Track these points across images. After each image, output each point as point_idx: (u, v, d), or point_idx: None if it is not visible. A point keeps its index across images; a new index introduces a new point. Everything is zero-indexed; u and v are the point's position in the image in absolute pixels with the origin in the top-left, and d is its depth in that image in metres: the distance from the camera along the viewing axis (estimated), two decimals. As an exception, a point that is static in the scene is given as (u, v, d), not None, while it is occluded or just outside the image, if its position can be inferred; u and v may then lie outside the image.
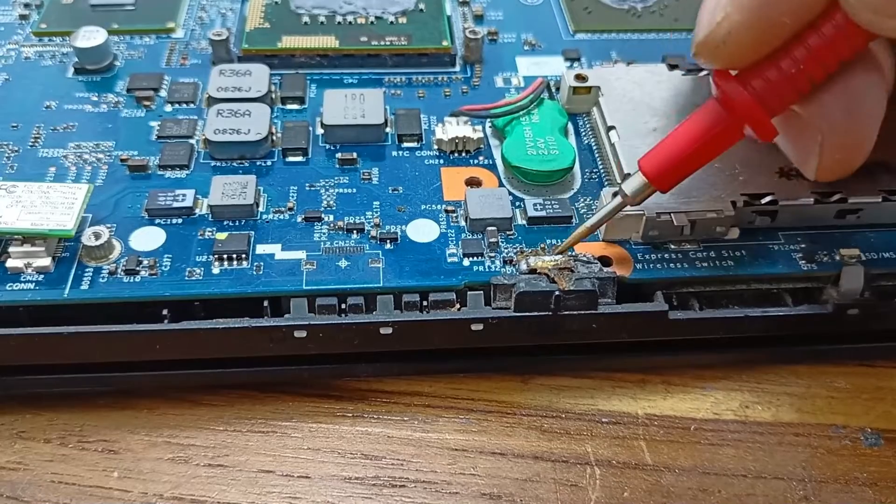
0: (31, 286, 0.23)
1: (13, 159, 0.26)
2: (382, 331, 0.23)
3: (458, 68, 0.31)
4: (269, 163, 0.27)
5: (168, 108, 0.29)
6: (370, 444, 0.23)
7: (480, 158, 0.27)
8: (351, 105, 0.28)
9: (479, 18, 0.33)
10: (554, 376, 0.25)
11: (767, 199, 0.24)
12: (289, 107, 0.29)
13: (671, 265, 0.24)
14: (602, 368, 0.25)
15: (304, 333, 0.22)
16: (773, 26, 0.19)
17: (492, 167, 0.27)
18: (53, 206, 0.23)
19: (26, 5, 0.33)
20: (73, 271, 0.23)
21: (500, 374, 0.25)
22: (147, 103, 0.29)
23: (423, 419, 0.24)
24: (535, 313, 0.23)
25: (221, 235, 0.24)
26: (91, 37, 0.30)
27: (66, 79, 0.30)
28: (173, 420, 0.23)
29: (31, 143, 0.27)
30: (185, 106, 0.29)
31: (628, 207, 0.23)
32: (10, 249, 0.23)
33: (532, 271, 0.23)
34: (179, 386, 0.24)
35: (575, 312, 0.23)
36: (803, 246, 0.24)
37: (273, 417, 0.24)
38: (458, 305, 0.23)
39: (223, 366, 0.23)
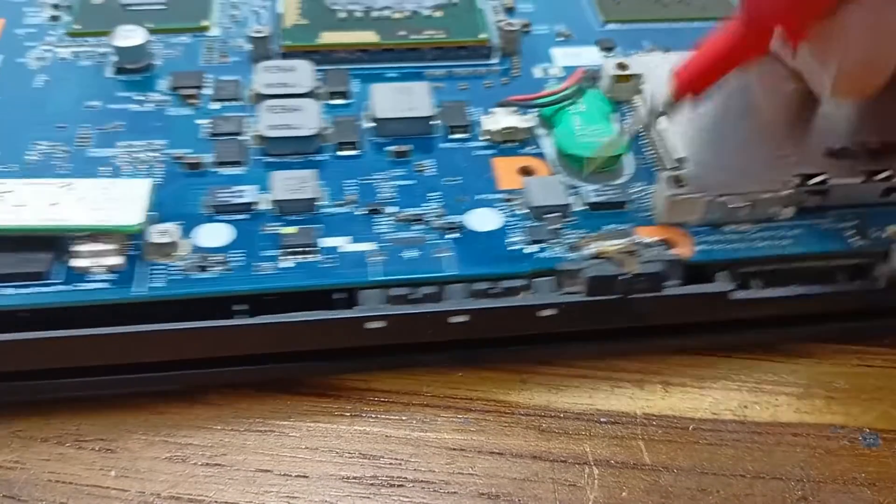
0: (102, 285, 0.22)
1: (66, 160, 0.26)
2: (455, 319, 0.23)
3: (495, 60, 0.31)
4: (322, 157, 0.27)
5: (214, 105, 0.29)
6: (368, 443, 0.23)
7: (529, 147, 0.27)
8: (399, 98, 0.28)
9: (509, 10, 0.34)
10: (552, 376, 0.25)
11: (819, 178, 0.25)
12: (333, 102, 0.29)
13: (730, 245, 0.24)
14: (664, 349, 0.25)
15: (378, 324, 0.23)
16: None
17: (541, 156, 0.27)
18: (116, 201, 0.23)
19: (55, 6, 0.33)
20: (142, 269, 0.23)
21: (496, 367, 0.25)
22: (193, 101, 0.29)
23: (421, 419, 0.24)
24: (604, 297, 0.23)
25: (288, 229, 0.24)
26: (131, 36, 0.30)
27: (106, 78, 0.30)
28: (171, 419, 0.23)
29: (80, 144, 0.27)
30: (230, 103, 0.29)
31: (684, 190, 0.24)
32: (77, 248, 0.23)
33: (598, 256, 0.23)
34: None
35: (642, 295, 0.23)
36: (853, 223, 0.25)
37: (271, 417, 0.23)
38: (526, 292, 0.23)
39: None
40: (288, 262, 0.23)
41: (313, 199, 0.25)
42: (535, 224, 0.25)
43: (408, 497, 0.22)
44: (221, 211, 0.25)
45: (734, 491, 0.22)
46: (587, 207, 0.25)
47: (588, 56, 0.31)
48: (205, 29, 0.32)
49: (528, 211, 0.25)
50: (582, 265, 0.23)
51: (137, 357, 0.23)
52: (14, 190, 0.24)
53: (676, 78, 0.23)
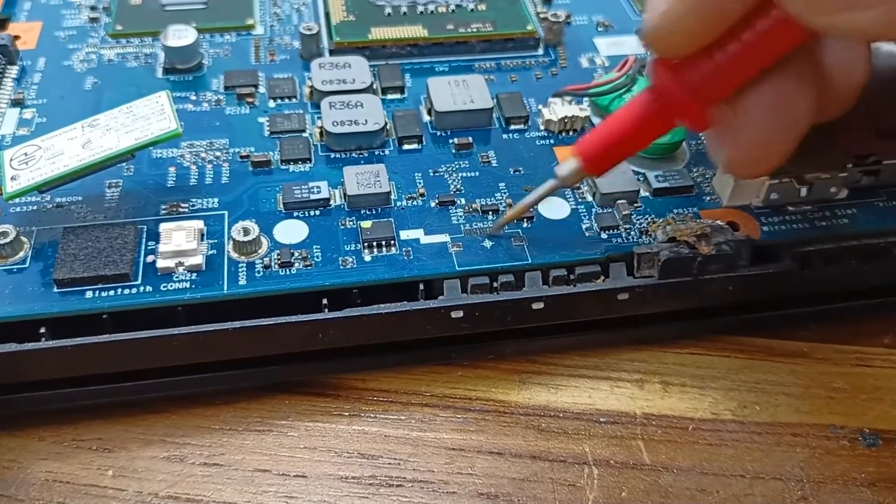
0: (187, 285, 0.23)
1: (128, 162, 0.26)
2: (534, 306, 0.23)
3: (541, 51, 0.32)
4: (385, 152, 0.27)
5: (271, 103, 0.29)
6: (367, 443, 0.23)
7: (587, 136, 0.28)
8: (457, 91, 0.28)
9: (547, 2, 0.34)
10: (552, 375, 0.25)
11: (871, 158, 0.26)
12: (389, 97, 0.29)
13: (793, 226, 0.25)
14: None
15: (460, 313, 0.23)
16: (718, 13, 0.18)
17: (600, 144, 0.28)
18: (145, 118, 0.24)
19: (93, 8, 0.33)
20: (226, 268, 0.23)
21: (495, 366, 0.25)
22: (250, 100, 0.29)
23: (420, 418, 0.24)
24: (678, 279, 0.24)
25: (366, 224, 0.24)
26: (182, 36, 0.30)
27: (157, 79, 0.30)
28: (168, 419, 0.23)
29: (142, 145, 0.27)
30: (287, 101, 0.29)
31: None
32: (160, 249, 0.23)
33: (671, 240, 0.24)
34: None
35: (715, 276, 0.24)
36: (906, 201, 0.26)
37: (269, 416, 0.23)
38: (602, 277, 0.24)
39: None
40: (369, 256, 0.24)
41: (388, 193, 0.25)
42: (604, 211, 0.25)
43: (407, 497, 0.22)
44: (296, 207, 0.25)
45: (734, 491, 0.22)
46: (650, 194, 0.26)
47: (630, 45, 0.32)
48: (250, 27, 0.32)
49: (598, 198, 0.25)
50: (656, 248, 0.24)
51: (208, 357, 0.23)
52: (42, 146, 0.24)
53: (580, 157, 0.22)
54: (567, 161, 0.23)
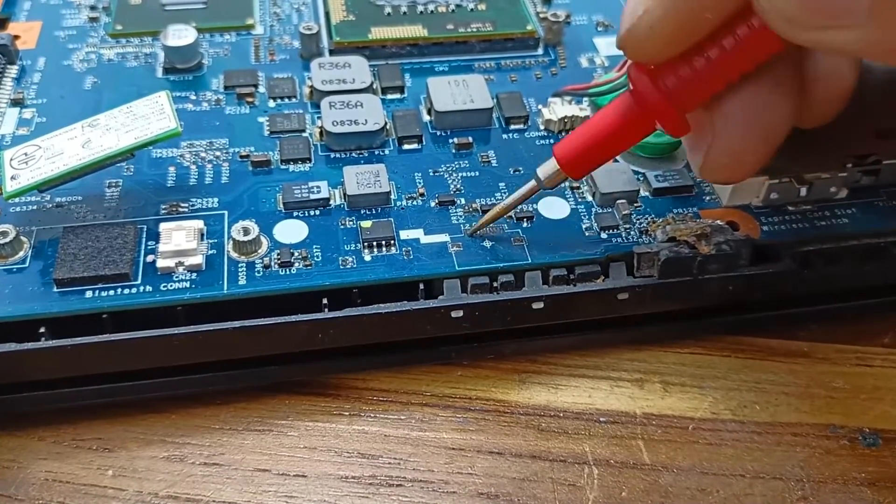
0: (187, 285, 0.23)
1: (128, 162, 0.26)
2: (534, 306, 0.23)
3: (541, 51, 0.32)
4: (385, 151, 0.27)
5: (271, 103, 0.29)
6: (367, 442, 0.23)
7: (587, 136, 0.28)
8: (456, 91, 0.28)
9: (547, 2, 0.34)
10: (552, 375, 0.25)
11: (871, 158, 0.26)
12: (389, 97, 0.29)
13: (793, 226, 0.25)
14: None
15: (460, 313, 0.23)
16: (694, 20, 0.18)
17: (599, 144, 0.28)
18: (145, 118, 0.24)
19: (92, 7, 0.33)
20: (226, 268, 0.23)
21: (495, 366, 0.25)
22: (250, 100, 0.29)
23: (420, 418, 0.24)
24: (678, 279, 0.24)
25: (366, 223, 0.24)
26: (182, 35, 0.30)
27: (157, 79, 0.30)
28: (168, 418, 0.23)
29: (142, 145, 0.27)
30: (287, 101, 0.29)
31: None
32: (160, 249, 0.23)
33: (671, 239, 0.24)
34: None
35: (715, 276, 0.24)
36: (907, 201, 0.26)
37: (269, 416, 0.23)
38: (602, 277, 0.24)
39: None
40: (369, 256, 0.24)
41: (388, 193, 0.25)
42: (604, 210, 0.25)
43: (407, 497, 0.22)
44: (296, 207, 0.25)
45: (734, 491, 0.22)
46: (650, 194, 0.26)
47: (630, 45, 0.32)
48: (250, 27, 0.32)
49: (598, 197, 0.25)
50: (656, 248, 0.24)
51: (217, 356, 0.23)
52: (42, 146, 0.24)
53: (557, 157, 0.22)
54: (546, 163, 0.23)
